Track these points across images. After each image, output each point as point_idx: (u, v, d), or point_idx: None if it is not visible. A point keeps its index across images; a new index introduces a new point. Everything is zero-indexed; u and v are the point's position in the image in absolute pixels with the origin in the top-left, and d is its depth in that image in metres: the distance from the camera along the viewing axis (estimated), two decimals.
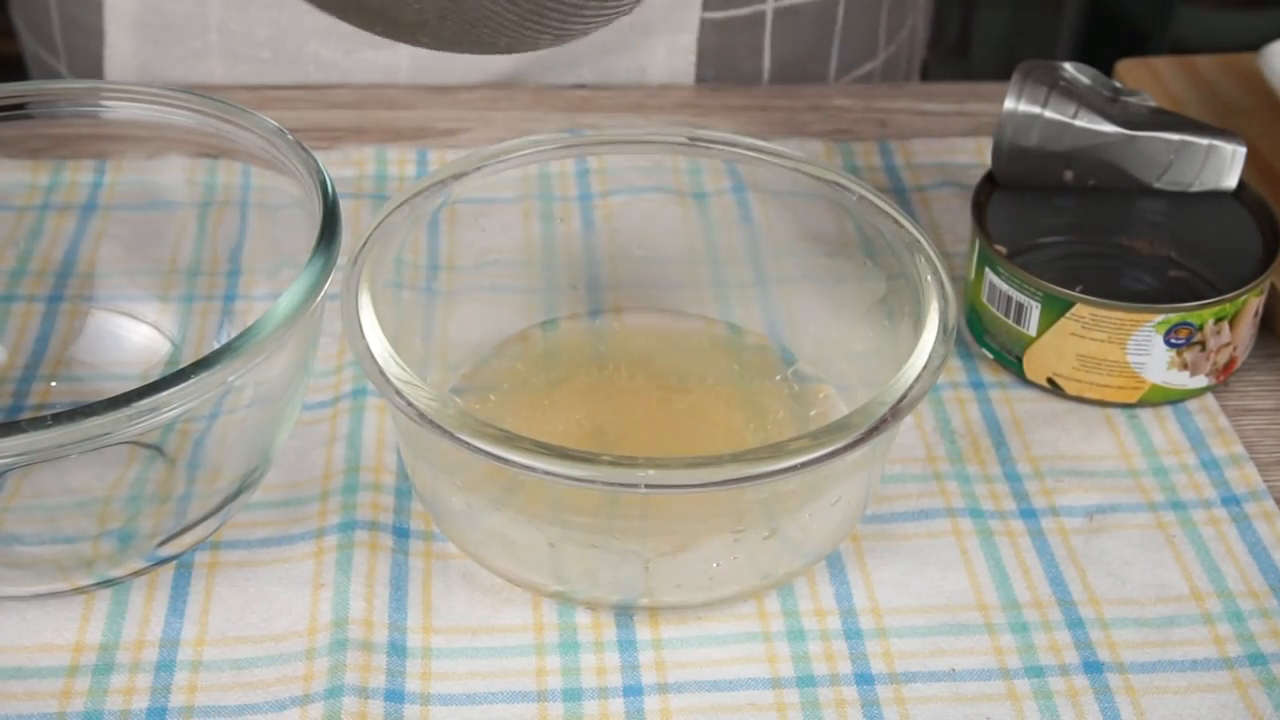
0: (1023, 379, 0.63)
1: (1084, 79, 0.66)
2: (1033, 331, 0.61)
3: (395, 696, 0.51)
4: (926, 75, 1.04)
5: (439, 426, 0.48)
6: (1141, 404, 0.62)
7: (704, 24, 0.83)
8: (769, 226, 0.63)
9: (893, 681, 0.52)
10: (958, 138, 0.78)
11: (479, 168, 0.59)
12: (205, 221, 0.64)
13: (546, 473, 0.47)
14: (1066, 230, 0.64)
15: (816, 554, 0.54)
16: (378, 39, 0.80)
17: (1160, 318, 0.59)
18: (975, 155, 0.76)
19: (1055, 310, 0.60)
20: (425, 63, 0.82)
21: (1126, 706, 0.51)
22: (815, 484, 0.51)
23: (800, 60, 0.86)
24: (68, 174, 0.68)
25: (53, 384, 0.61)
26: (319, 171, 0.55)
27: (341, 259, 0.53)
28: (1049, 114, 0.64)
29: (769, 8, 0.83)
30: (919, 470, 0.59)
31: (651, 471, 0.47)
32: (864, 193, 0.58)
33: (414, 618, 0.53)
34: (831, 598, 0.54)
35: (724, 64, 0.84)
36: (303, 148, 0.56)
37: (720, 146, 0.60)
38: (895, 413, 0.49)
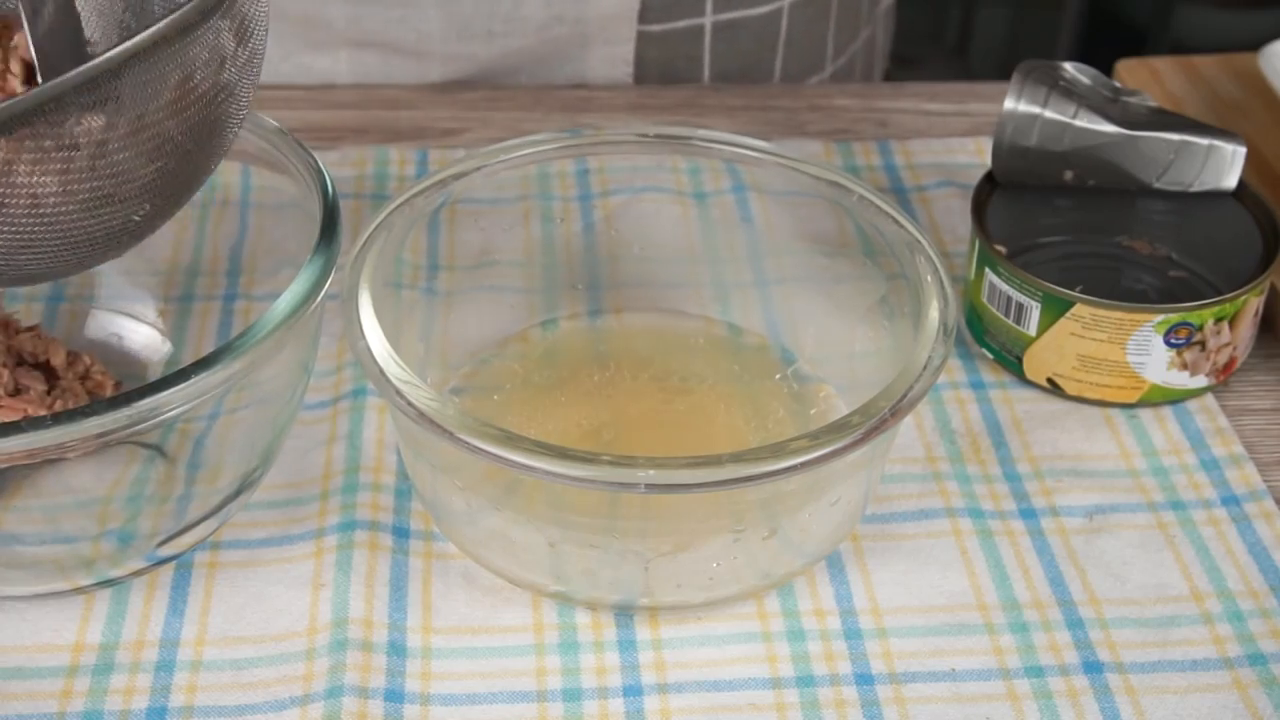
0: (1023, 379, 0.63)
1: (1084, 79, 0.66)
2: (1033, 331, 0.61)
3: (395, 696, 0.51)
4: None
5: (439, 426, 0.48)
6: (1141, 404, 0.62)
7: (641, 35, 0.82)
8: (769, 226, 0.63)
9: (893, 681, 0.52)
10: (958, 138, 0.78)
11: (479, 168, 0.59)
12: (205, 221, 0.64)
13: (546, 473, 0.47)
14: (1066, 230, 0.64)
15: (816, 554, 0.54)
16: (316, 41, 0.80)
17: (1160, 318, 0.59)
18: (975, 155, 0.76)
19: (1055, 310, 0.60)
20: (365, 69, 0.82)
21: (1126, 706, 0.51)
22: (815, 484, 0.51)
23: (741, 71, 0.85)
24: None
25: None
26: (319, 171, 0.55)
27: (341, 259, 0.53)
28: (1049, 114, 0.64)
29: (708, 21, 0.83)
30: (919, 470, 0.59)
31: (651, 471, 0.47)
32: (864, 193, 0.58)
33: (414, 618, 0.53)
34: (831, 598, 0.54)
35: (662, 74, 0.84)
36: (303, 148, 0.56)
37: (720, 146, 0.60)
38: (895, 413, 0.49)
